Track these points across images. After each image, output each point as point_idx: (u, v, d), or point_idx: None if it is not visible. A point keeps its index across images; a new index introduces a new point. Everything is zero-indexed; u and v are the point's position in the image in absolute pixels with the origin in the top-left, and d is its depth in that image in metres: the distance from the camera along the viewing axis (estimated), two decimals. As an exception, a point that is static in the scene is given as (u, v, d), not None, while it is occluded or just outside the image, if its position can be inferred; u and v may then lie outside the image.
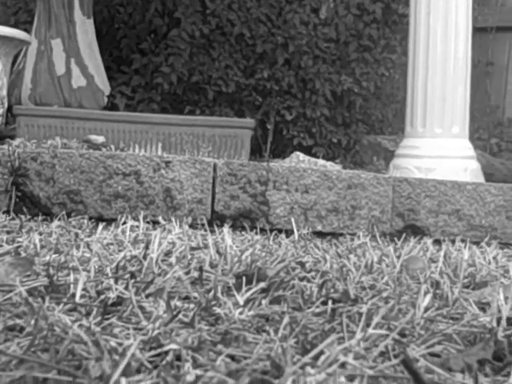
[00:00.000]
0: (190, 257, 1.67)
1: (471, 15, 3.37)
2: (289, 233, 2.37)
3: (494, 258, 2.06)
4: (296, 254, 1.87)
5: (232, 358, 0.96)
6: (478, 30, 4.87)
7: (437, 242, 2.43)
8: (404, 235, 2.47)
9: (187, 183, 2.42)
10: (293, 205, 2.47)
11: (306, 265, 1.66)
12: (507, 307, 1.25)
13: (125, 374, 0.85)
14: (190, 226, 2.30)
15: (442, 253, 1.91)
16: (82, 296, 1.23)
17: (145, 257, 1.55)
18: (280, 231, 2.41)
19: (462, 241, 2.42)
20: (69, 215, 2.31)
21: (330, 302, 1.25)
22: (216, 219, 2.42)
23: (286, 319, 1.10)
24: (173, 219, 2.31)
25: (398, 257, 1.84)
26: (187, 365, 0.90)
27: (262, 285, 1.35)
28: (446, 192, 2.60)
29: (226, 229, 2.03)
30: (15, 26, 4.64)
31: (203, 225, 2.35)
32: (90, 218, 2.31)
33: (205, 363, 0.92)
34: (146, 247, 1.62)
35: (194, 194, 2.42)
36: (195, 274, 1.46)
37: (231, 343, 1.02)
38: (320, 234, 2.46)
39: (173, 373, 0.88)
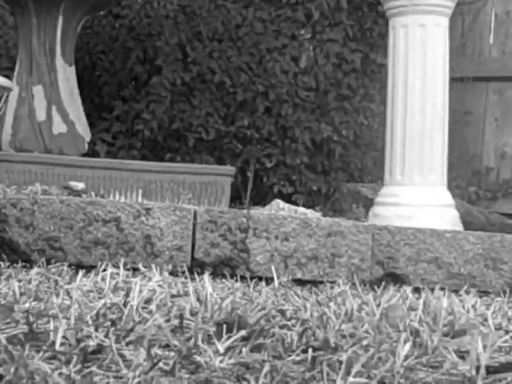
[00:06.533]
0: (170, 304, 1.67)
1: (448, 65, 3.43)
2: (269, 280, 2.37)
3: (473, 306, 2.07)
4: (276, 301, 1.87)
5: (213, 406, 0.96)
6: (456, 80, 4.95)
7: (416, 289, 2.44)
8: (384, 283, 2.48)
9: (167, 230, 2.42)
10: (273, 252, 2.48)
11: (287, 313, 1.66)
12: (486, 355, 1.25)
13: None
14: (170, 274, 2.29)
15: (421, 301, 1.92)
16: (62, 344, 1.22)
17: (125, 304, 1.54)
18: (260, 279, 2.41)
19: (442, 289, 2.43)
20: (48, 262, 2.30)
21: (310, 350, 1.25)
22: (196, 266, 2.42)
23: (267, 367, 1.10)
24: (153, 266, 2.30)
25: (378, 305, 1.84)
26: (168, 414, 0.90)
27: (243, 333, 1.35)
28: (425, 240, 2.62)
29: (206, 276, 2.03)
30: (-3, 72, 4.65)
31: (183, 272, 2.35)
32: (70, 265, 2.30)
33: (185, 412, 0.92)
34: (127, 295, 1.62)
35: (174, 241, 2.42)
36: (176, 322, 1.45)
37: (212, 392, 1.02)
38: (300, 282, 2.46)
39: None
